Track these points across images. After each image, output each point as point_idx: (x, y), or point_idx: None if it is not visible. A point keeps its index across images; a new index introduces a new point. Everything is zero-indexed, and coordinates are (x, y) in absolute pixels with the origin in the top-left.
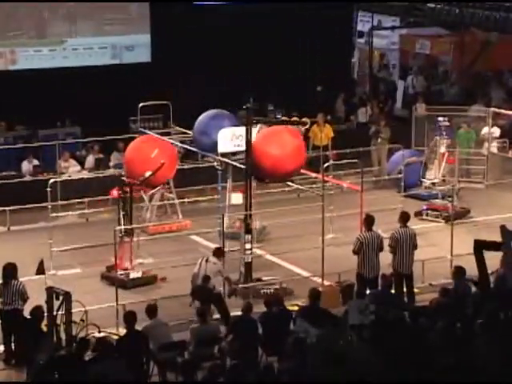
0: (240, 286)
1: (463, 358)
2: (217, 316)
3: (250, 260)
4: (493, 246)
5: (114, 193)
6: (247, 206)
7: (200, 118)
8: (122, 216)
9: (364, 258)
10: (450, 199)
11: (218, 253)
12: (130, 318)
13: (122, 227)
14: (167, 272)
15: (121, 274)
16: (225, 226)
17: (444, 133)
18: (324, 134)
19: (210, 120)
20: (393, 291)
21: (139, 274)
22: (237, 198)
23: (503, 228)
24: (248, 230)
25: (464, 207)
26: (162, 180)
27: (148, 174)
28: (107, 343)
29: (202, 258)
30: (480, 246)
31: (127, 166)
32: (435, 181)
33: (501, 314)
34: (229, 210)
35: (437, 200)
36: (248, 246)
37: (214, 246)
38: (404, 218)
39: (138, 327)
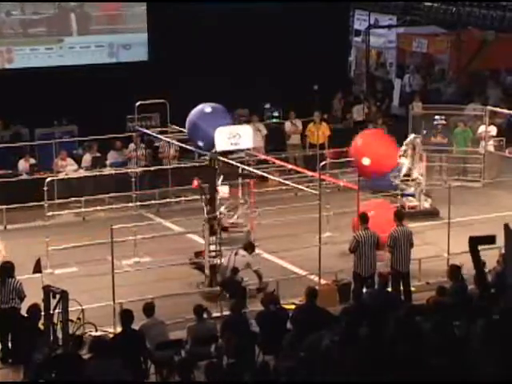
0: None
1: (459, 358)
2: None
3: (214, 263)
4: (487, 239)
5: (195, 182)
6: (214, 207)
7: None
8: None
9: (360, 256)
10: (413, 198)
11: (248, 246)
12: (126, 316)
13: (206, 215)
14: (163, 271)
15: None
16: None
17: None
18: (321, 132)
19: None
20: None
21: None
22: (224, 190)
23: (507, 228)
24: (213, 232)
25: (431, 207)
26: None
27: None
28: (102, 342)
29: (231, 252)
30: (475, 242)
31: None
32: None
33: (498, 312)
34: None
35: (404, 198)
36: (213, 247)
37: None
38: (399, 216)
39: (135, 326)
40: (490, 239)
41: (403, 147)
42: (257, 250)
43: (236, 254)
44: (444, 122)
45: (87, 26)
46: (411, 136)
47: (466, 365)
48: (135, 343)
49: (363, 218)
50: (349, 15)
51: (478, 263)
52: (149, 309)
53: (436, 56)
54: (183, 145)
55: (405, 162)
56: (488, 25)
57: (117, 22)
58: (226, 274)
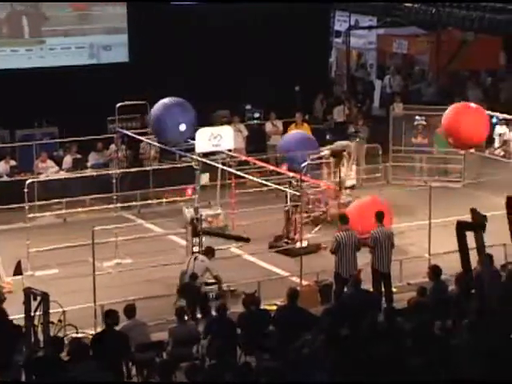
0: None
1: (439, 358)
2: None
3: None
4: (476, 226)
5: (189, 191)
6: (197, 210)
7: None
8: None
9: (341, 257)
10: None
11: (208, 251)
12: (111, 317)
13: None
14: (145, 272)
15: (287, 243)
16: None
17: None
18: None
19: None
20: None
21: (305, 244)
22: (205, 179)
23: (474, 211)
24: (196, 233)
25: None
26: None
27: None
28: (81, 345)
29: (191, 256)
30: (462, 228)
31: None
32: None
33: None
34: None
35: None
36: (196, 249)
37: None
38: (379, 217)
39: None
40: (479, 225)
41: (325, 152)
42: (238, 251)
43: (195, 258)
44: (424, 122)
45: (68, 28)
46: (342, 142)
47: (446, 364)
48: (117, 344)
49: (343, 219)
50: (329, 16)
51: (464, 249)
52: (130, 310)
53: (416, 57)
54: (164, 146)
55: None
56: (468, 25)
57: (97, 24)
58: (185, 280)
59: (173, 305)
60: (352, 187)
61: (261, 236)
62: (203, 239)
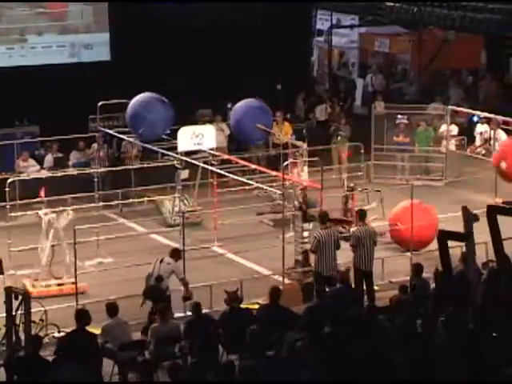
0: None
1: (421, 356)
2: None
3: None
4: (459, 237)
5: (42, 194)
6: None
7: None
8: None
9: (321, 255)
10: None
11: (174, 253)
12: (81, 316)
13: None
14: (126, 271)
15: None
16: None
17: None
18: (283, 132)
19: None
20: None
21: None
22: (185, 174)
23: (465, 210)
24: (306, 219)
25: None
26: None
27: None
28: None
29: (157, 259)
30: (445, 236)
31: None
32: None
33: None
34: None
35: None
36: (306, 234)
37: (174, 245)
38: (361, 215)
39: (99, 326)
40: (461, 237)
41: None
42: (221, 250)
43: (161, 261)
44: (406, 121)
45: (49, 26)
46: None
47: (428, 362)
48: (87, 344)
49: (323, 217)
50: (311, 15)
51: (445, 256)
52: (112, 309)
53: (398, 56)
54: (146, 145)
55: None
56: (449, 25)
57: (79, 22)
58: (151, 282)
59: (140, 306)
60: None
61: (241, 234)
62: (310, 225)
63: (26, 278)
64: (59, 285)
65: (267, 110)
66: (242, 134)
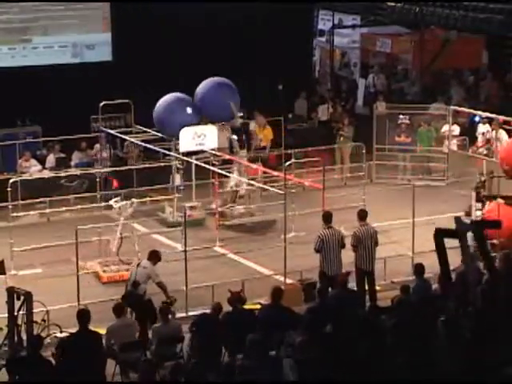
0: None
1: (422, 356)
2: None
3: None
4: (455, 233)
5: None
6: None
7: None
8: None
9: (325, 255)
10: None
11: (151, 256)
12: (83, 316)
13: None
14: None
15: None
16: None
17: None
18: (263, 135)
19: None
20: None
21: None
22: (178, 179)
23: (458, 220)
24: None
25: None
26: None
27: None
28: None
29: (137, 262)
30: (441, 234)
31: None
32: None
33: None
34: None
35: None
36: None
37: (175, 245)
38: (362, 215)
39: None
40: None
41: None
42: (222, 250)
43: (138, 265)
44: (408, 121)
45: (50, 26)
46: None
47: (428, 363)
48: (91, 344)
49: (326, 217)
50: (313, 15)
51: (442, 254)
52: (118, 309)
53: (399, 56)
54: (148, 145)
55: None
56: (451, 24)
57: (81, 22)
58: (128, 288)
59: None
60: (242, 197)
61: (244, 235)
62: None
63: (97, 264)
64: (127, 270)
65: (235, 90)
66: (210, 108)
